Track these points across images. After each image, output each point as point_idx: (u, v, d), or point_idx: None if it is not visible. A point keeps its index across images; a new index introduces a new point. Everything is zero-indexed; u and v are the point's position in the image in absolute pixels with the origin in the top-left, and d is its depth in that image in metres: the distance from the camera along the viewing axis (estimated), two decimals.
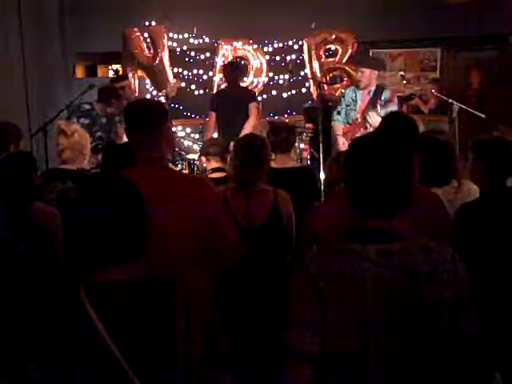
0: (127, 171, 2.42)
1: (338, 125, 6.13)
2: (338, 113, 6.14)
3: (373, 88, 5.96)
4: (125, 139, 4.77)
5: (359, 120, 5.91)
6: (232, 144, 3.23)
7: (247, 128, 5.81)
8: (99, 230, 1.56)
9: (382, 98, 5.85)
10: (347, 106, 6.07)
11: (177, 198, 2.30)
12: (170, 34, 7.63)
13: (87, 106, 5.58)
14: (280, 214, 3.10)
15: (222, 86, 6.48)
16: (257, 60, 7.75)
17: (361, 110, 5.96)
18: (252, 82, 7.77)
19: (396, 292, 1.61)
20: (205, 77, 7.81)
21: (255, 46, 7.71)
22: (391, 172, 1.64)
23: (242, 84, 6.55)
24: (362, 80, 5.96)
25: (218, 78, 7.71)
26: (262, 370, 2.20)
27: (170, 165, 4.11)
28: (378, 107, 5.77)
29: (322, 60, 7.64)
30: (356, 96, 6.03)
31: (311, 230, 2.62)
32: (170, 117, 2.54)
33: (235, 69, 6.30)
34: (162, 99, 7.26)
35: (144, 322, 1.55)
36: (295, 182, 3.67)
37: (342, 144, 5.77)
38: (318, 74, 7.58)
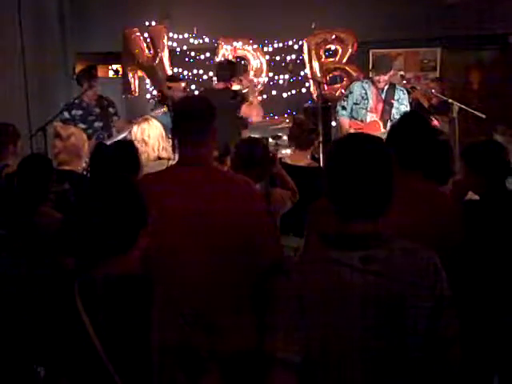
0: (171, 169, 2.42)
1: (344, 119, 5.84)
2: (343, 108, 5.84)
3: (386, 87, 5.75)
4: (122, 133, 4.80)
5: (379, 122, 5.71)
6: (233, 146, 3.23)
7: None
8: (96, 223, 1.58)
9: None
10: (355, 104, 5.77)
11: (219, 198, 2.27)
12: (170, 34, 7.63)
13: (76, 101, 5.68)
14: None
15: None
16: (257, 60, 7.74)
17: (376, 112, 5.72)
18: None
19: (380, 298, 1.60)
20: (205, 77, 7.79)
21: (255, 46, 7.70)
22: (373, 174, 1.63)
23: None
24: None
25: None
26: (248, 377, 2.17)
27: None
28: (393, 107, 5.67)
29: (322, 60, 7.63)
30: (366, 93, 5.75)
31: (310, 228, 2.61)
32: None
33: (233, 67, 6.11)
34: None
35: (121, 320, 1.57)
36: (305, 180, 3.67)
37: None
38: (318, 74, 7.57)
